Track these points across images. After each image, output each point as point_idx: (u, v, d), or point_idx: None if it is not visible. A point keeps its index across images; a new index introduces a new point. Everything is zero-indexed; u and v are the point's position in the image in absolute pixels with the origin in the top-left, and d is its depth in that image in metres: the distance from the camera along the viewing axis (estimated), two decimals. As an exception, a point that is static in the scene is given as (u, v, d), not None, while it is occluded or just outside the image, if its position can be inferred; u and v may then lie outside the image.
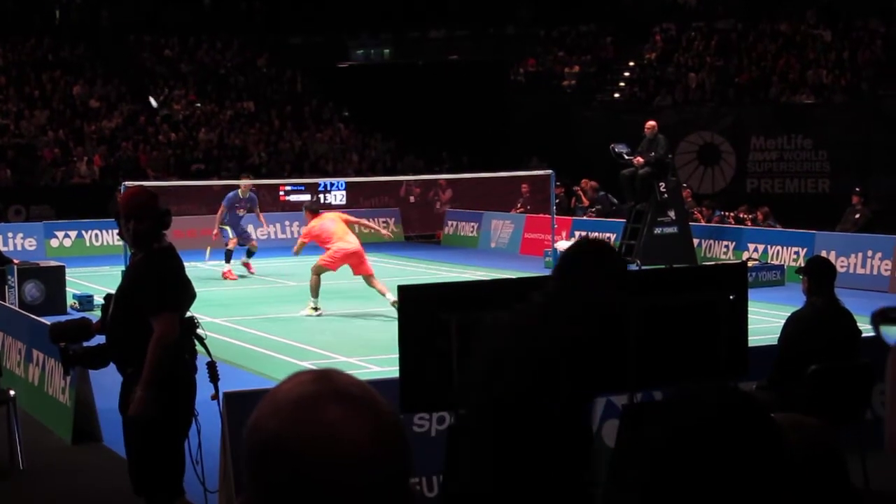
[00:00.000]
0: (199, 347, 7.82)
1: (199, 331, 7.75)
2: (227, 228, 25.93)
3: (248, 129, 42.65)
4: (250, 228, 27.46)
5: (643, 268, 22.26)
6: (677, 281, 8.79)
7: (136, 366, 7.41)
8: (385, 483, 1.69)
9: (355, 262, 19.82)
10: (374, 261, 29.56)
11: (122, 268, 21.11)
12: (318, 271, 19.84)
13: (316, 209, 20.71)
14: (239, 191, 26.37)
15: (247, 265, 26.27)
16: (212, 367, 7.75)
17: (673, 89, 40.00)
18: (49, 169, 37.73)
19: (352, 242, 19.79)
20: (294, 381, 1.74)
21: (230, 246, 25.89)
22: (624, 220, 26.77)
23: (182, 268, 7.72)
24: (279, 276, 26.22)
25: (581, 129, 39.45)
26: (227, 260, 25.94)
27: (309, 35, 49.85)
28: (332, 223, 19.97)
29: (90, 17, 47.17)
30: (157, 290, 7.43)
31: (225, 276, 25.57)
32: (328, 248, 19.86)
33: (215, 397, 7.96)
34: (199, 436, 7.72)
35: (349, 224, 20.27)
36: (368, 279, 19.79)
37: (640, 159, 25.54)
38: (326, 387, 1.72)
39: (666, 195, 25.49)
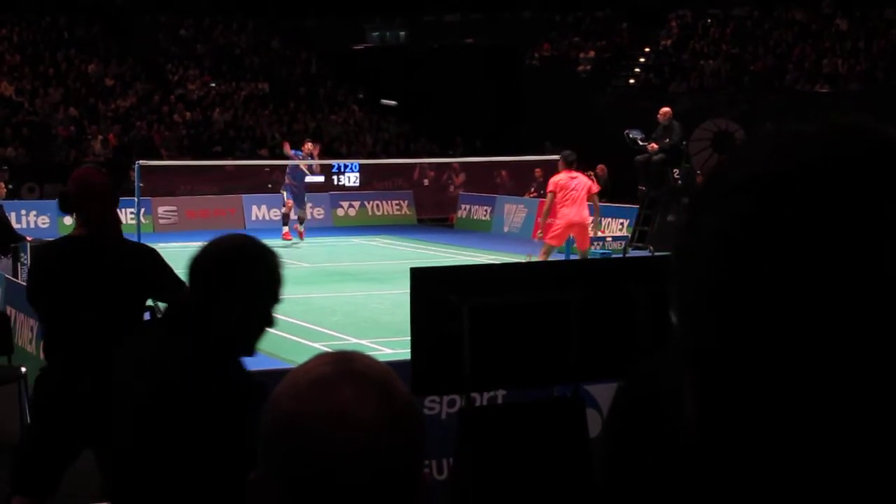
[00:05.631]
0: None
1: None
2: (284, 193, 28.47)
3: (262, 110, 42.70)
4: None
5: (655, 254, 22.24)
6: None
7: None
8: (395, 465, 1.71)
9: (578, 234, 20.00)
10: (385, 243, 29.71)
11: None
12: (547, 252, 19.81)
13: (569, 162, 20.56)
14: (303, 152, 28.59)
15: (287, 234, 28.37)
16: None
17: (688, 76, 39.94)
18: (63, 147, 37.80)
19: (578, 211, 19.86)
20: (314, 362, 1.76)
21: (285, 210, 28.33)
22: (638, 206, 26.77)
23: (44, 267, 6.89)
24: (291, 257, 26.26)
25: (595, 114, 39.37)
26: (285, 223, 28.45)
27: (324, 17, 49.85)
28: (576, 184, 20.00)
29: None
30: None
31: (284, 238, 27.92)
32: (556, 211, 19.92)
33: None
34: None
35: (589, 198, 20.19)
36: (583, 254, 19.98)
37: (655, 145, 25.51)
38: (344, 367, 1.74)
39: (680, 182, 25.47)
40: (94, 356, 6.48)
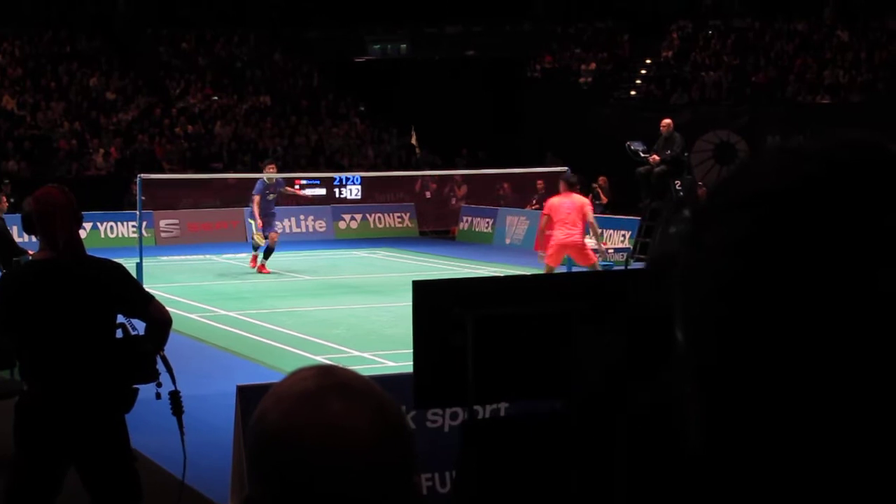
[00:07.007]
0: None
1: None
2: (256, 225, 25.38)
3: (263, 122, 42.73)
4: (276, 222, 26.53)
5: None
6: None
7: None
8: (386, 476, 1.71)
9: (574, 254, 20.07)
10: (387, 256, 29.71)
11: (136, 260, 21.15)
12: (548, 272, 19.15)
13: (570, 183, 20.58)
14: (265, 177, 25.42)
15: (261, 268, 25.57)
16: (175, 397, 6.82)
17: (689, 88, 39.96)
18: (65, 161, 37.83)
19: (568, 233, 19.78)
20: (297, 376, 1.77)
21: (270, 243, 25.24)
22: (640, 218, 26.78)
23: (13, 295, 6.69)
24: (294, 270, 26.25)
25: (597, 126, 39.38)
26: (266, 255, 25.46)
27: (326, 29, 49.89)
28: (568, 205, 19.90)
29: (107, 9, 47.25)
30: None
31: (260, 270, 25.39)
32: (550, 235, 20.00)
33: (182, 434, 6.81)
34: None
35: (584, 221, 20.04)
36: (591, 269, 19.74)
37: (656, 157, 25.51)
38: (329, 381, 1.75)
39: (682, 193, 25.46)
40: (72, 374, 6.52)
